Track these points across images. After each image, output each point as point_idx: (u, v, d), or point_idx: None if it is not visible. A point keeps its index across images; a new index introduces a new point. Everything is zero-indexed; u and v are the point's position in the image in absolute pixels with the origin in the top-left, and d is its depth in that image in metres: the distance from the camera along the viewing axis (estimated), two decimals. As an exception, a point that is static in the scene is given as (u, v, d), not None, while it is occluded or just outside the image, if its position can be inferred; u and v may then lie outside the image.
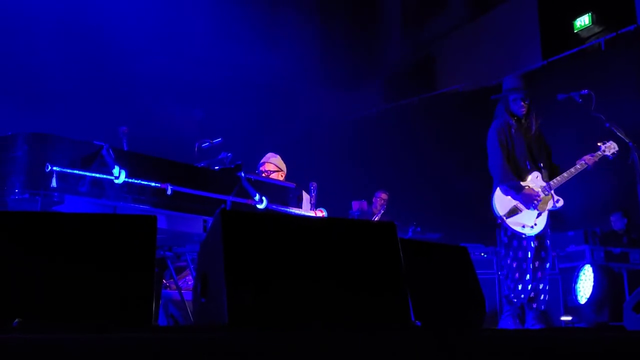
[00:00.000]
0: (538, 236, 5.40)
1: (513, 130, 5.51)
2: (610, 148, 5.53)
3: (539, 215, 5.36)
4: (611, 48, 9.96)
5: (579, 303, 7.46)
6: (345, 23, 13.90)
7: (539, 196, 5.36)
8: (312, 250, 2.54)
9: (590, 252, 7.72)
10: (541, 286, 5.36)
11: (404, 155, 11.50)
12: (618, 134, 5.41)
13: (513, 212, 5.37)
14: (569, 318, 7.61)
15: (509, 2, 12.10)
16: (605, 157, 5.52)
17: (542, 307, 5.40)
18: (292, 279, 2.45)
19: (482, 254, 8.18)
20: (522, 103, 5.52)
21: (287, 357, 1.84)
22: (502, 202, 5.42)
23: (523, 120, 5.56)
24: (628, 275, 7.55)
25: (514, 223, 5.36)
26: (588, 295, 7.37)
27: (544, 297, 5.39)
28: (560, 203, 5.43)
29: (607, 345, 2.45)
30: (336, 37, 13.36)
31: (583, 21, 10.53)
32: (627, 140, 5.37)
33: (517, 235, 5.37)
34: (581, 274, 7.54)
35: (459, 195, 10.32)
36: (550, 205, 5.41)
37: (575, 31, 10.65)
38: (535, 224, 5.35)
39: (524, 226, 5.34)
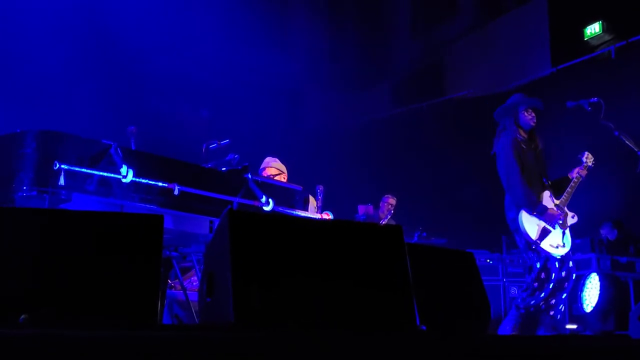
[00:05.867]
0: (562, 259, 5.24)
1: (524, 146, 5.38)
2: (589, 159, 5.48)
3: (563, 234, 5.26)
4: (621, 56, 9.94)
5: (585, 311, 7.43)
6: (354, 27, 13.91)
7: (560, 215, 5.26)
8: (319, 252, 2.54)
9: (596, 260, 7.68)
10: (564, 295, 5.24)
11: (411, 160, 11.49)
12: (627, 142, 5.37)
13: (544, 234, 5.22)
14: (575, 326, 7.57)
15: (519, 9, 12.08)
16: (589, 167, 5.46)
17: (559, 316, 5.29)
18: (299, 280, 2.46)
19: (488, 260, 8.15)
20: (533, 113, 5.43)
21: (292, 357, 1.84)
22: (531, 226, 5.21)
23: (531, 134, 5.47)
24: (634, 284, 7.51)
25: (547, 246, 5.19)
26: (594, 304, 7.33)
27: (563, 307, 5.33)
28: (575, 219, 5.35)
29: (612, 353, 2.44)
30: (345, 41, 13.36)
31: (593, 29, 10.49)
32: (636, 149, 5.33)
33: (543, 257, 5.22)
34: (587, 282, 7.51)
35: (465, 201, 10.31)
36: (569, 221, 5.32)
37: (585, 39, 10.61)
38: (564, 244, 5.22)
39: (557, 246, 5.19)
